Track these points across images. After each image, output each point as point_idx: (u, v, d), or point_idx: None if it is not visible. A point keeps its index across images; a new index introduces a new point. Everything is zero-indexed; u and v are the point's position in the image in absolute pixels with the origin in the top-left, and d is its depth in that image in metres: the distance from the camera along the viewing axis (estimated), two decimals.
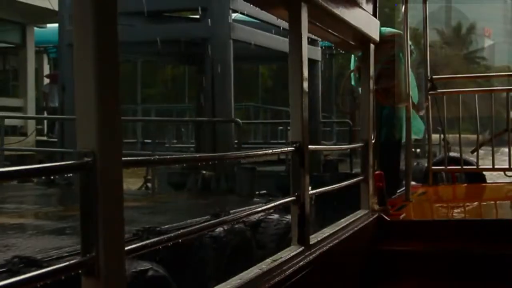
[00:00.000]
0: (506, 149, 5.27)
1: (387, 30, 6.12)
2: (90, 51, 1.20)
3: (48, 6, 14.33)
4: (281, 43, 10.17)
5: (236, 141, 10.15)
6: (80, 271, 1.23)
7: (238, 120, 10.51)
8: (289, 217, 7.06)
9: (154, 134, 12.36)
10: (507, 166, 5.34)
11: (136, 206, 7.75)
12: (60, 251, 4.30)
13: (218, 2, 9.92)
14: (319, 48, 12.48)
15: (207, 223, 1.96)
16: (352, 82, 6.23)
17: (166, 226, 5.19)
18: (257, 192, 8.32)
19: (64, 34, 10.76)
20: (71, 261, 1.21)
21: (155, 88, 27.71)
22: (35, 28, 16.52)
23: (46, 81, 18.18)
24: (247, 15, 10.66)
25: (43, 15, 15.44)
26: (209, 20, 9.80)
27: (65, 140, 10.69)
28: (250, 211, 2.26)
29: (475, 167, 5.87)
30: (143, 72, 20.97)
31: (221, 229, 4.64)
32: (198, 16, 10.65)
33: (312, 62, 11.92)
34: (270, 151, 2.50)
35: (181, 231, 1.71)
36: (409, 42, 5.93)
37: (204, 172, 8.76)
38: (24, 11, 14.73)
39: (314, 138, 11.58)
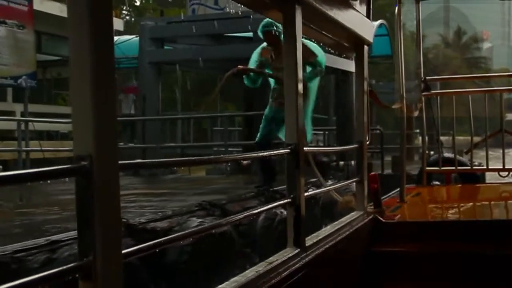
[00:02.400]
0: (507, 150, 5.30)
1: None
2: (86, 55, 1.20)
3: None
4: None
5: None
6: (77, 275, 1.22)
7: None
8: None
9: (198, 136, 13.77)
10: (501, 167, 5.37)
11: (229, 182, 9.60)
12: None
13: None
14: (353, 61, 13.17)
15: (204, 226, 1.96)
16: (245, 82, 6.34)
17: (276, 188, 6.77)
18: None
19: (145, 54, 12.73)
20: (68, 265, 1.21)
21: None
22: None
23: None
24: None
25: None
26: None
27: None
28: (248, 213, 2.26)
29: (469, 167, 5.89)
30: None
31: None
32: (251, 36, 11.96)
33: (350, 74, 13.28)
34: (267, 153, 2.50)
35: (177, 234, 1.71)
36: (320, 60, 6.10)
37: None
38: None
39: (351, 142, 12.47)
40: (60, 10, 15.13)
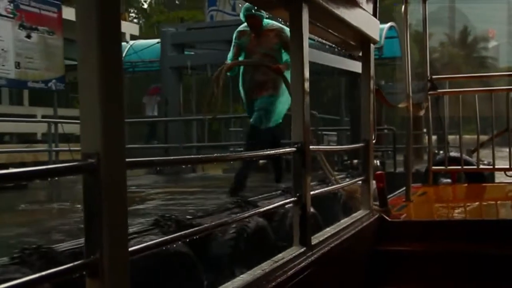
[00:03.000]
0: None
1: (270, 23, 6.29)
2: (95, 54, 1.20)
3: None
4: (336, 61, 13.56)
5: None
6: (84, 272, 1.23)
7: (315, 112, 11.92)
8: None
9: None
10: (508, 166, 5.35)
11: (251, 180, 9.42)
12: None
13: None
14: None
15: (211, 224, 1.96)
16: (228, 72, 6.32)
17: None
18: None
19: (166, 59, 13.57)
20: (75, 263, 1.21)
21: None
22: None
23: None
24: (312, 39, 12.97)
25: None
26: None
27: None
28: (252, 212, 2.25)
29: (475, 167, 5.87)
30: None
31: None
32: None
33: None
34: (272, 151, 2.50)
35: (184, 232, 1.71)
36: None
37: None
38: None
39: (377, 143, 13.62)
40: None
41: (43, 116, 16.58)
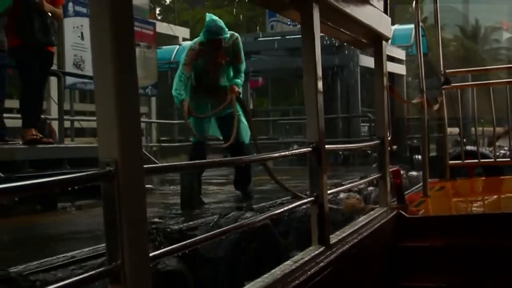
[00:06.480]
0: None
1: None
2: (109, 62, 1.22)
3: (170, 33, 20.61)
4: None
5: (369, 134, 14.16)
6: (106, 279, 1.24)
7: (370, 115, 13.40)
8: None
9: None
10: None
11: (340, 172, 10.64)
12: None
13: None
14: (404, 65, 16.36)
15: (228, 226, 1.97)
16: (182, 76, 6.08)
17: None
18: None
19: None
20: (98, 270, 1.23)
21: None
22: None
23: None
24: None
25: (166, 39, 20.49)
26: (346, 53, 14.69)
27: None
28: (271, 213, 2.26)
29: (492, 160, 5.83)
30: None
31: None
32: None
33: (397, 76, 15.93)
34: (288, 152, 2.50)
35: (205, 235, 1.72)
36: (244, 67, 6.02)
37: (340, 152, 12.52)
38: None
39: (401, 134, 15.10)
40: None
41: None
